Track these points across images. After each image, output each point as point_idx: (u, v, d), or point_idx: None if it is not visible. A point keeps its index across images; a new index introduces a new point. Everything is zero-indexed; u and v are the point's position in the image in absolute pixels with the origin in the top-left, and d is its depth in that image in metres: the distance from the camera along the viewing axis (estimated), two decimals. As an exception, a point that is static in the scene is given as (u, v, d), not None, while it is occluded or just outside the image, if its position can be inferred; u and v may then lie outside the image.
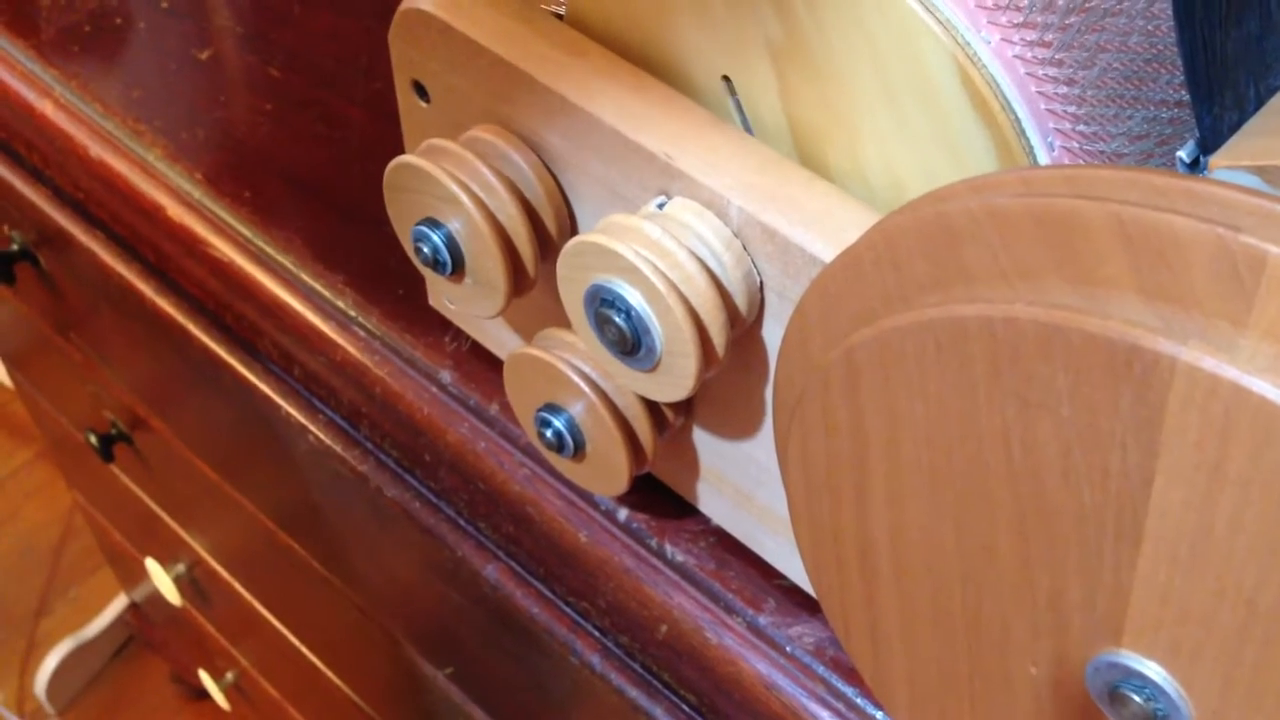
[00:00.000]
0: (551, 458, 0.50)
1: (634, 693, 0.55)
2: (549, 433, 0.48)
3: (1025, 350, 0.29)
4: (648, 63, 0.44)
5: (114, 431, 0.97)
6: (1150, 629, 0.30)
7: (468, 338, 0.57)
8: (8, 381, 1.22)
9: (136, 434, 0.95)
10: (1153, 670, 0.31)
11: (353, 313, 0.60)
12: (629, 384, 0.43)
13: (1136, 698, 0.31)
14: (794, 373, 0.37)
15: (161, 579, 1.14)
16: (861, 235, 0.33)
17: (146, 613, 1.41)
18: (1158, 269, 0.27)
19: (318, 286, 0.61)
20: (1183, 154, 0.32)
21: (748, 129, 0.42)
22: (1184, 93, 0.37)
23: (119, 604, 1.53)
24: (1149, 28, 0.36)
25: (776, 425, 0.38)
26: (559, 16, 0.46)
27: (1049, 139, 0.36)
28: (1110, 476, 0.29)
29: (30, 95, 0.69)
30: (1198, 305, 0.26)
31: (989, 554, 0.33)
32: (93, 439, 0.97)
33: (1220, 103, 0.31)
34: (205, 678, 1.26)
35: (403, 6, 0.46)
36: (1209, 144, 0.32)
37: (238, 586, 1.01)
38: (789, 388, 0.37)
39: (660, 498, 0.53)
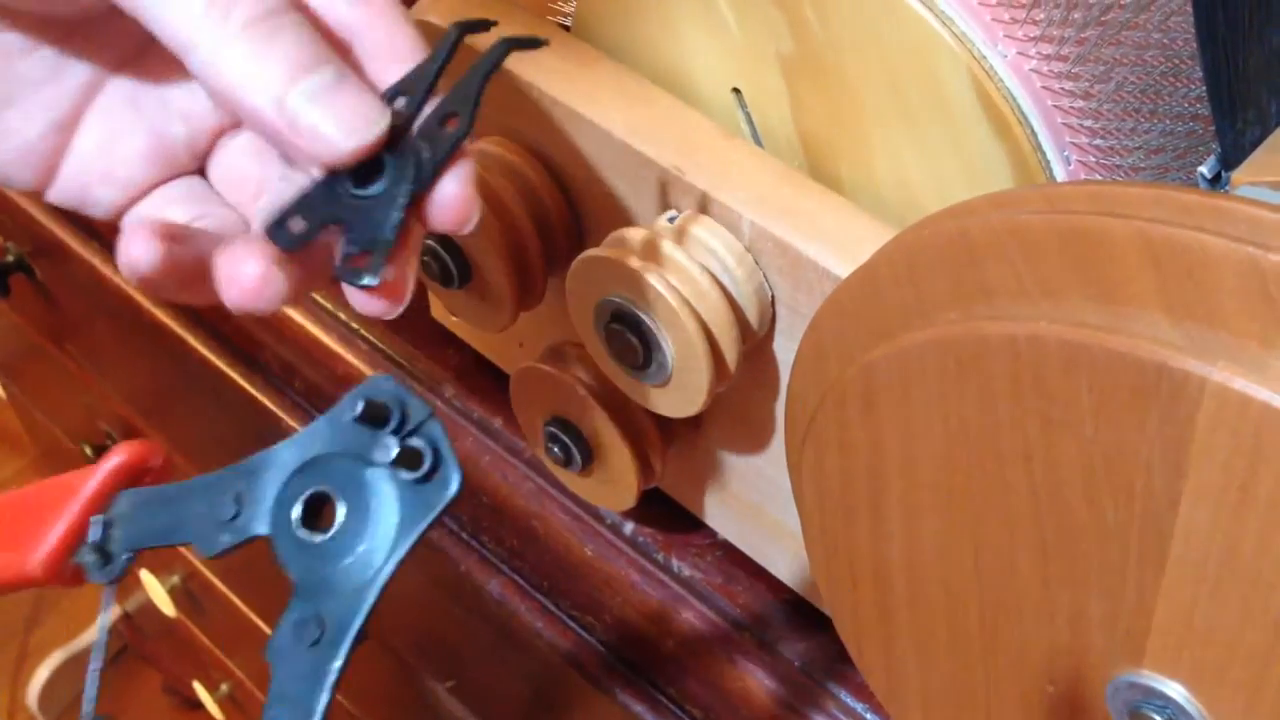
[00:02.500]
0: (558, 472, 0.49)
1: (639, 708, 0.54)
2: (556, 447, 0.47)
3: (1049, 368, 0.29)
4: (656, 75, 0.43)
5: (109, 443, 0.96)
6: (1173, 649, 0.30)
7: (471, 350, 0.57)
8: (0, 392, 1.21)
9: (132, 445, 0.94)
10: (1175, 691, 0.31)
11: (354, 325, 0.59)
12: (639, 398, 0.43)
13: (1158, 718, 0.31)
14: (808, 389, 0.36)
15: (156, 590, 1.13)
16: (878, 250, 0.33)
17: (139, 624, 1.40)
18: (1185, 288, 0.26)
19: (319, 298, 0.60)
20: (1204, 169, 0.32)
21: (758, 142, 0.42)
22: (1200, 106, 0.37)
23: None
24: (1165, 41, 0.36)
25: (789, 441, 0.38)
26: (566, 28, 0.45)
27: (1065, 153, 0.36)
28: (1135, 497, 0.29)
29: (27, 105, 0.68)
30: (1226, 325, 0.26)
31: (1008, 573, 0.33)
32: (87, 450, 0.96)
33: (1243, 118, 0.31)
34: (199, 689, 1.26)
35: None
36: (1231, 160, 0.31)
37: (233, 597, 1.00)
38: (802, 403, 0.37)
39: (667, 512, 0.52)
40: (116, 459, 0.29)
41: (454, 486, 0.27)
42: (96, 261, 0.71)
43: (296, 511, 0.28)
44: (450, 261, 0.45)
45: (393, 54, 0.31)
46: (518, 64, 0.43)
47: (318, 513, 0.28)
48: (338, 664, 0.27)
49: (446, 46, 0.30)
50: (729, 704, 0.50)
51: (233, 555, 0.28)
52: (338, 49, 0.31)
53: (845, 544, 0.37)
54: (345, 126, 0.29)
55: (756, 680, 0.49)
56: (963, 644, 0.36)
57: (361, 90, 0.29)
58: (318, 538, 0.28)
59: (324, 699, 0.26)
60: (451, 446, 0.27)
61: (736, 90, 0.42)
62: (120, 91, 0.34)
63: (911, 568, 0.35)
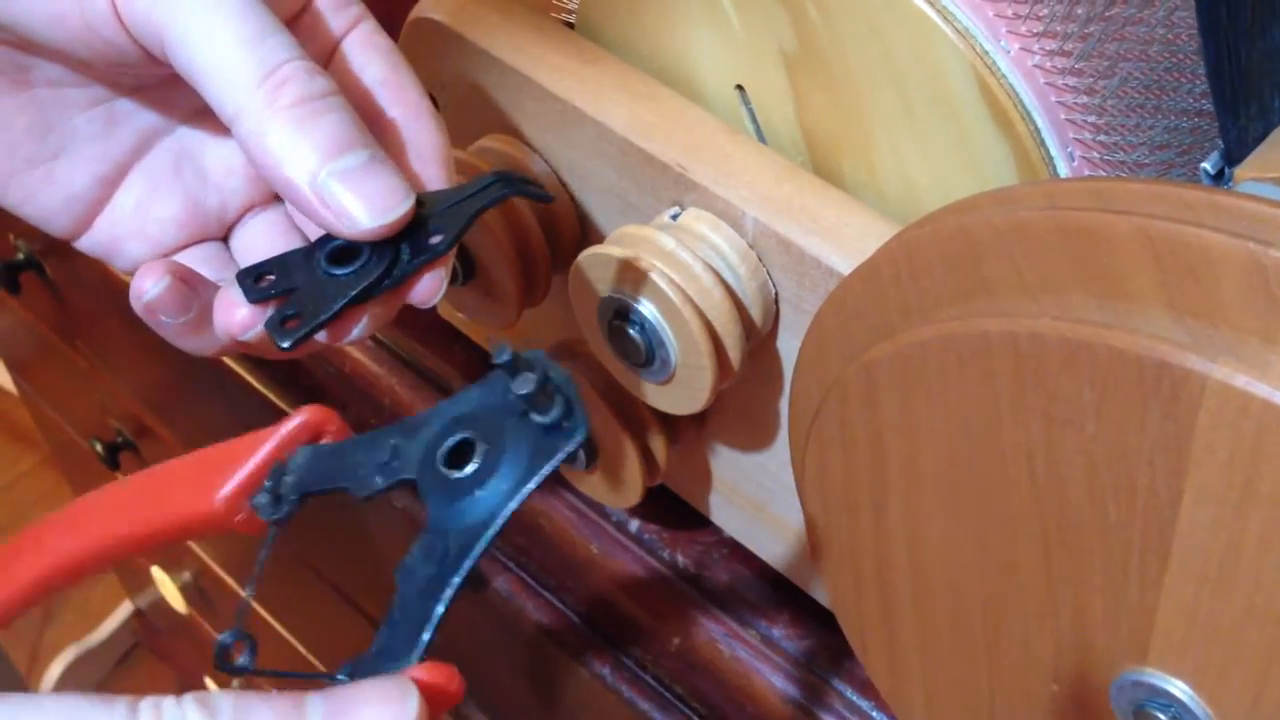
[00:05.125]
0: (563, 469, 0.49)
1: (645, 705, 0.54)
2: (561, 445, 0.47)
3: (1050, 365, 0.29)
4: (660, 72, 0.43)
5: (120, 439, 0.97)
6: (1177, 647, 0.30)
7: (478, 348, 0.57)
8: (13, 388, 1.22)
9: (142, 442, 0.95)
10: (1179, 689, 0.31)
11: (361, 322, 0.59)
12: (642, 396, 0.43)
13: (1162, 716, 0.31)
14: (811, 386, 0.36)
15: (167, 586, 1.14)
16: (880, 247, 0.33)
17: (151, 620, 1.41)
18: (1186, 284, 0.26)
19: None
20: (1207, 165, 0.31)
21: (761, 139, 0.42)
22: (1204, 102, 0.36)
23: (124, 611, 1.53)
24: (1169, 36, 0.36)
25: (793, 439, 0.38)
26: (570, 25, 0.45)
27: (1069, 149, 0.35)
28: (1137, 494, 0.28)
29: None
30: (1227, 321, 0.26)
31: (1010, 571, 0.33)
32: (98, 447, 0.96)
33: (1245, 113, 0.31)
34: (211, 685, 1.26)
35: (413, 16, 0.45)
36: (1234, 155, 0.31)
37: (243, 594, 1.00)
38: (806, 401, 0.37)
39: (672, 508, 0.52)
40: (298, 419, 0.32)
41: (581, 434, 0.30)
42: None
43: (442, 452, 0.31)
44: (455, 259, 0.45)
45: (415, 151, 0.34)
46: (521, 61, 0.43)
47: (460, 455, 0.31)
48: (457, 579, 0.29)
49: (480, 186, 0.33)
50: (734, 701, 0.50)
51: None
52: (379, 137, 0.33)
53: (849, 541, 0.37)
54: (370, 207, 0.31)
55: (762, 677, 0.49)
56: (966, 642, 0.36)
57: (390, 175, 0.32)
58: (455, 474, 0.30)
59: (439, 609, 0.29)
60: (584, 405, 0.30)
61: (740, 87, 0.41)
62: (165, 156, 0.36)
63: (915, 565, 0.35)
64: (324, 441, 0.33)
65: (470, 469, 0.30)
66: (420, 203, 0.33)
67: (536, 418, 0.29)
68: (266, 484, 0.32)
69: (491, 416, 0.30)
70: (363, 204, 0.31)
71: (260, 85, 0.30)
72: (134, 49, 0.31)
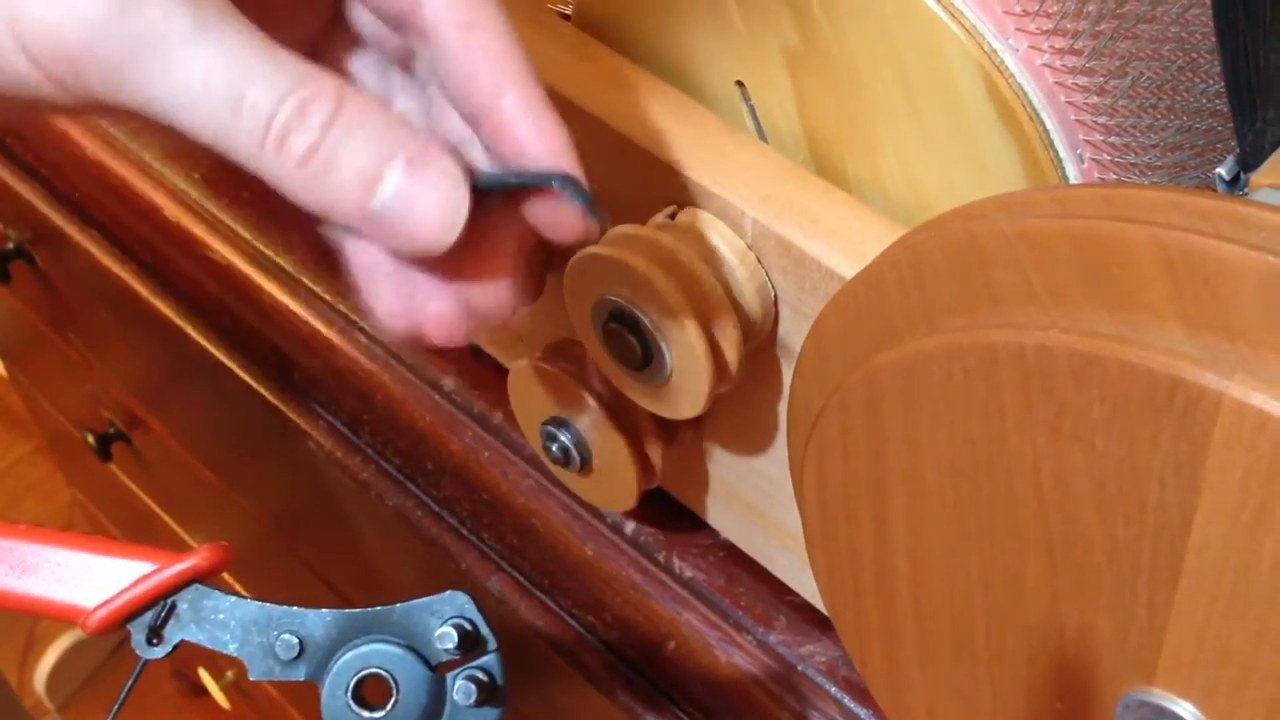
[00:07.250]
0: (558, 471, 0.49)
1: (640, 709, 0.53)
2: (555, 447, 0.46)
3: (1059, 379, 0.28)
4: (658, 66, 0.42)
5: (112, 431, 0.96)
6: (1185, 669, 0.29)
7: (471, 344, 0.56)
8: (4, 373, 1.21)
9: (135, 433, 0.94)
10: (1186, 711, 0.30)
11: (354, 317, 0.58)
12: (638, 399, 0.42)
13: (1169, 738, 0.30)
14: (811, 392, 0.35)
15: (160, 577, 1.13)
16: (883, 252, 0.32)
17: (146, 609, 1.40)
18: (1202, 297, 0.25)
19: (318, 290, 0.59)
20: (1222, 171, 0.30)
21: (762, 137, 0.41)
22: (1218, 102, 0.35)
23: (119, 599, 1.52)
24: (1183, 35, 0.35)
25: (791, 445, 0.37)
26: (566, 17, 0.44)
27: (1078, 151, 0.34)
28: (1147, 512, 0.27)
29: (25, 92, 0.67)
30: (1244, 336, 0.25)
31: (1015, 586, 0.32)
32: (90, 438, 0.96)
33: (1262, 118, 0.30)
34: (205, 676, 1.25)
35: (405, 7, 0.44)
36: (1250, 160, 0.30)
37: (238, 587, 1.00)
38: (805, 407, 0.36)
39: (669, 511, 0.51)
40: (199, 560, 0.33)
41: (495, 717, 0.31)
42: (95, 250, 0.70)
43: (353, 682, 0.31)
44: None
45: (505, 78, 0.30)
46: (516, 55, 0.42)
47: (368, 685, 0.31)
48: None
49: (537, 176, 0.30)
50: (731, 706, 0.49)
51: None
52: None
53: (848, 551, 0.36)
54: (433, 222, 0.29)
55: (759, 683, 0.49)
56: (968, 657, 0.35)
57: (430, 170, 0.29)
58: (365, 713, 0.31)
59: None
60: (504, 679, 0.31)
61: (740, 83, 0.40)
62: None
63: (916, 577, 0.35)
64: (211, 584, 0.33)
65: (379, 716, 0.31)
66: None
67: (460, 694, 0.30)
68: (150, 619, 0.32)
69: (411, 660, 0.31)
70: (423, 222, 0.29)
71: (262, 146, 0.28)
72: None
